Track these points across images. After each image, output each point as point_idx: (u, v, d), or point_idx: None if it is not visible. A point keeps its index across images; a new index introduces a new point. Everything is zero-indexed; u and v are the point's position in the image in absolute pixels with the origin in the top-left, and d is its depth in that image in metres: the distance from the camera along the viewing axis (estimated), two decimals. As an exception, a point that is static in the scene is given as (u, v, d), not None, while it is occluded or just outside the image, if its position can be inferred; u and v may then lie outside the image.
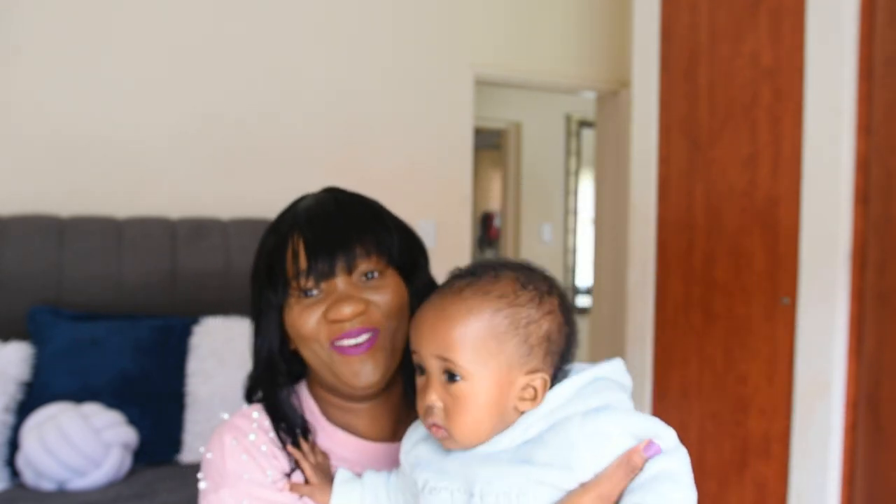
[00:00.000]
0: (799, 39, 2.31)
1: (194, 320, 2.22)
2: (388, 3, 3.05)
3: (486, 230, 6.73)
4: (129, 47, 2.58)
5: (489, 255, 6.44)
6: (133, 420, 1.99)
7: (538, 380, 0.74)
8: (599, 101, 3.82)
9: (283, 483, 0.86)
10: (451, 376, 0.73)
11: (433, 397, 0.74)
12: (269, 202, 2.70)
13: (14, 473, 1.90)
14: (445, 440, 0.74)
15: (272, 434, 0.88)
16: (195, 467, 1.98)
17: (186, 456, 2.06)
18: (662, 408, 2.81)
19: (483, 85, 3.50)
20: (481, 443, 0.74)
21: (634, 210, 2.94)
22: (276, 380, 0.91)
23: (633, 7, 2.97)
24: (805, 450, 2.28)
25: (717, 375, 2.59)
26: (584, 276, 5.29)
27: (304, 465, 0.86)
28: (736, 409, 2.51)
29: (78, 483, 1.84)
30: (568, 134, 5.34)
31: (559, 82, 3.53)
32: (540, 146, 5.22)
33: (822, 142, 2.24)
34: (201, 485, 0.87)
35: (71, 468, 1.83)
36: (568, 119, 5.31)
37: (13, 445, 1.91)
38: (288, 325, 0.89)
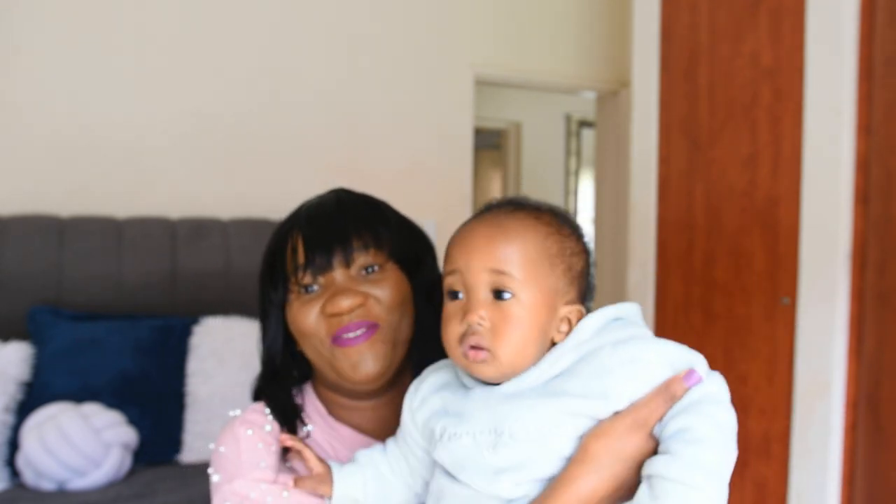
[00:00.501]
0: (799, 39, 2.31)
1: (194, 320, 2.22)
2: (388, 3, 3.05)
3: (486, 230, 6.73)
4: (129, 47, 2.58)
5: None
6: (133, 420, 1.99)
7: (575, 311, 0.74)
8: (599, 101, 3.82)
9: (287, 479, 0.85)
10: (499, 294, 0.71)
11: (480, 314, 0.70)
12: (269, 202, 2.70)
13: (14, 473, 1.90)
14: (485, 364, 0.71)
15: (286, 428, 0.89)
16: (195, 467, 1.99)
17: (186, 456, 2.06)
18: (662, 408, 2.81)
19: (483, 85, 3.50)
20: (521, 370, 0.71)
21: (634, 210, 2.94)
22: (280, 380, 0.91)
23: (633, 7, 2.97)
24: (805, 450, 2.28)
25: (717, 375, 2.59)
26: (584, 276, 5.28)
27: (307, 454, 0.84)
28: (736, 409, 2.51)
29: (78, 483, 1.84)
30: (568, 134, 5.34)
31: (559, 82, 3.53)
32: (540, 146, 5.22)
33: (822, 142, 2.24)
34: (213, 478, 0.87)
35: (71, 468, 1.83)
36: (568, 119, 5.31)
37: (13, 445, 1.91)
38: (289, 322, 0.89)
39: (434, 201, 3.11)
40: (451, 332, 0.73)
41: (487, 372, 0.71)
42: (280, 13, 2.83)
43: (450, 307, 0.74)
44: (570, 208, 5.35)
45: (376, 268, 0.87)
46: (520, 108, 5.07)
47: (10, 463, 1.91)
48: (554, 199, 5.26)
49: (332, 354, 0.86)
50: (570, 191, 5.35)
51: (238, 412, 0.92)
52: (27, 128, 2.44)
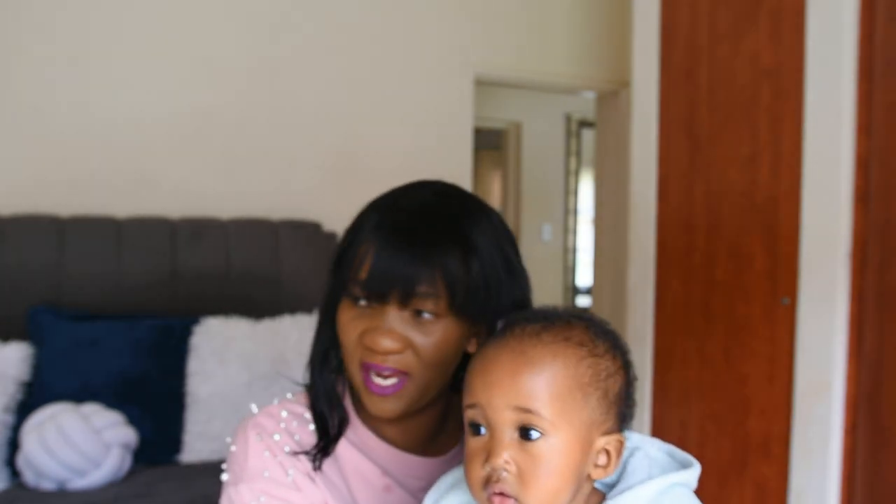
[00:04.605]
0: (799, 39, 2.31)
1: (194, 320, 2.22)
2: (388, 2, 3.05)
3: (486, 230, 6.72)
4: (130, 47, 2.58)
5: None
6: (133, 420, 1.99)
7: (614, 442, 0.66)
8: (599, 101, 3.82)
9: (288, 494, 0.84)
10: (526, 433, 0.63)
11: (504, 458, 0.63)
12: (269, 202, 2.70)
13: (14, 473, 1.90)
14: None
15: (297, 437, 0.87)
16: (195, 467, 1.99)
17: (186, 456, 2.06)
18: (662, 408, 2.81)
19: (483, 85, 3.50)
20: None
21: (634, 210, 2.94)
22: (327, 365, 0.89)
23: (633, 7, 2.97)
24: (805, 450, 2.28)
25: (717, 375, 2.59)
26: (584, 276, 5.29)
27: None
28: (736, 409, 2.51)
29: (78, 483, 1.84)
30: (568, 134, 5.34)
31: (559, 82, 3.53)
32: (540, 146, 5.22)
33: (822, 142, 2.24)
34: (223, 476, 0.88)
35: (71, 468, 1.83)
36: (568, 119, 5.31)
37: (13, 445, 1.91)
38: (337, 321, 0.86)
39: (434, 201, 3.11)
40: (474, 474, 0.65)
41: None
42: (280, 12, 2.83)
43: (472, 443, 0.66)
44: (570, 208, 5.34)
45: (431, 316, 0.81)
46: (520, 108, 5.07)
47: (10, 463, 1.91)
48: (554, 199, 5.27)
49: (360, 381, 0.83)
50: (570, 191, 5.35)
51: (255, 410, 0.91)
52: (27, 127, 2.44)
